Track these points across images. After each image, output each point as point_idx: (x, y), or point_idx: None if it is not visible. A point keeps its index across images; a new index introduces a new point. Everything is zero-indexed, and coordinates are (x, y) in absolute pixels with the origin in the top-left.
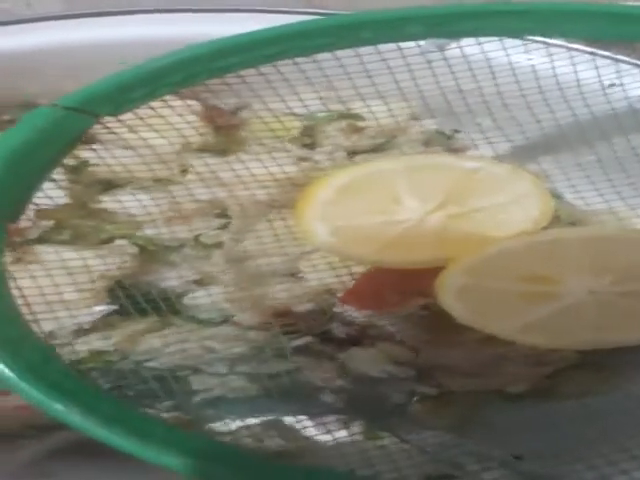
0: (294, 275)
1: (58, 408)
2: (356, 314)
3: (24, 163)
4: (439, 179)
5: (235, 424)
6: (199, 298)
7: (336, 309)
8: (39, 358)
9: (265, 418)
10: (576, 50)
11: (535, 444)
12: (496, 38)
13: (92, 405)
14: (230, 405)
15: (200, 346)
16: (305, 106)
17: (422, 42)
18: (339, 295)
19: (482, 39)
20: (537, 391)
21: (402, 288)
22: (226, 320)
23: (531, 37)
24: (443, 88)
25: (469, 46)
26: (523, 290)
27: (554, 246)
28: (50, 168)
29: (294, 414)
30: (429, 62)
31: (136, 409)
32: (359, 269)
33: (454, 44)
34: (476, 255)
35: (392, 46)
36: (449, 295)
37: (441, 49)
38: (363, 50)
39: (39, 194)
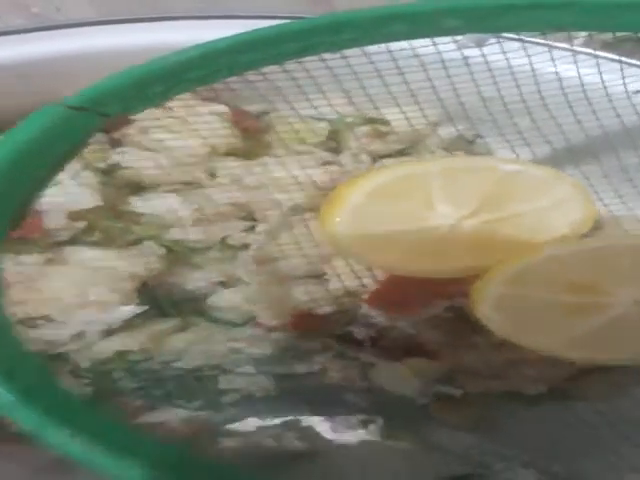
0: (319, 277)
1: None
2: (379, 317)
3: (26, 164)
4: (476, 183)
5: (256, 424)
6: (223, 299)
7: (360, 311)
8: (34, 380)
9: (286, 418)
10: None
11: (554, 445)
12: (537, 33)
13: (96, 433)
14: (253, 405)
15: (224, 347)
16: (330, 110)
17: (459, 37)
18: (364, 297)
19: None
20: (556, 393)
21: (428, 290)
22: (249, 321)
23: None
24: (481, 92)
25: (493, 54)
26: (566, 301)
27: (598, 254)
28: (54, 171)
29: (314, 414)
30: (465, 58)
31: (143, 433)
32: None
33: (492, 39)
34: (515, 263)
35: (431, 49)
36: (486, 306)
37: (479, 44)
38: (398, 54)
39: (43, 199)
